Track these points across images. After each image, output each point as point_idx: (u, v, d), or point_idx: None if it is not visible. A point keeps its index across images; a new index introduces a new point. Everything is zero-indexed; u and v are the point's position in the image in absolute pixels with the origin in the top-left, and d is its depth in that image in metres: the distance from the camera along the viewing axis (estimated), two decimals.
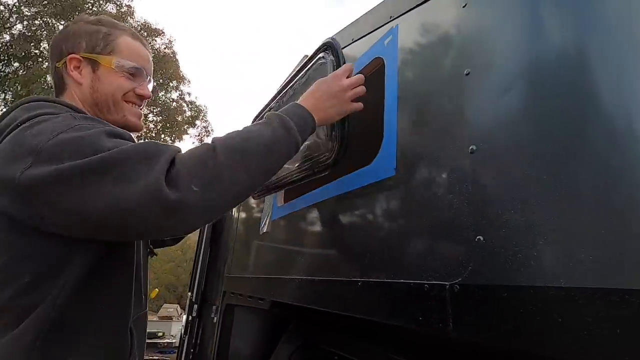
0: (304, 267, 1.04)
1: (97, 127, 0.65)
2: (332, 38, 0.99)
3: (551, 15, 0.54)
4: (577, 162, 0.44)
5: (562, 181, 0.44)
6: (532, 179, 0.48)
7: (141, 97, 0.85)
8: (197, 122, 13.72)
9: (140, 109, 0.87)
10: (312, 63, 1.07)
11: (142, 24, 12.37)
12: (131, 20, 12.08)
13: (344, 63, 0.91)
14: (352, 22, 1.15)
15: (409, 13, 0.84)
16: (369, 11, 1.04)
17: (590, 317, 0.38)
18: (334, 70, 0.91)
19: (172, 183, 0.56)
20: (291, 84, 1.19)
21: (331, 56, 0.95)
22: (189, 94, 13.50)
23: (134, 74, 0.82)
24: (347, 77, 0.83)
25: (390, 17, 0.91)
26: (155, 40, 12.52)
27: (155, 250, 1.09)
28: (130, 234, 0.65)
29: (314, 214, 1.08)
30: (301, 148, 0.76)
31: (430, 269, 0.60)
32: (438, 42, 0.74)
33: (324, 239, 1.00)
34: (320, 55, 1.02)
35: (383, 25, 0.94)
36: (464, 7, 0.67)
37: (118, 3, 12.02)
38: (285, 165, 0.78)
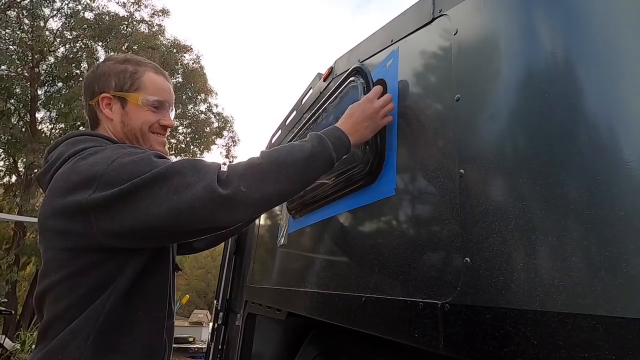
0: (313, 280, 1.08)
1: (145, 151, 0.77)
2: (361, 63, 1.03)
3: (539, 41, 0.56)
4: (562, 187, 0.46)
5: (543, 208, 0.47)
6: (514, 204, 0.50)
7: (165, 127, 0.94)
8: (224, 133, 14.14)
9: (165, 138, 0.97)
10: (343, 86, 1.11)
11: (172, 41, 12.97)
12: (162, 39, 12.71)
13: (373, 85, 0.94)
14: (360, 43, 1.19)
15: (407, 37, 0.88)
16: (373, 34, 1.08)
17: (561, 341, 0.40)
18: (363, 91, 0.96)
19: (224, 183, 0.67)
20: (325, 105, 1.23)
21: (361, 79, 0.99)
22: (216, 105, 13.94)
23: (158, 107, 0.91)
24: (378, 98, 0.87)
25: (392, 40, 0.95)
26: (184, 57, 13.08)
27: (187, 256, 1.18)
28: (190, 232, 0.76)
29: (322, 229, 1.12)
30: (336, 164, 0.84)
31: (425, 287, 0.63)
32: (432, 67, 0.77)
33: (331, 253, 1.04)
34: (351, 79, 1.06)
35: (385, 48, 0.98)
36: (454, 34, 0.70)
37: (150, 23, 12.69)
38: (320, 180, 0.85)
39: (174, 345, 0.98)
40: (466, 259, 0.55)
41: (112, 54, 1.01)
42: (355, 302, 0.81)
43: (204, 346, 7.50)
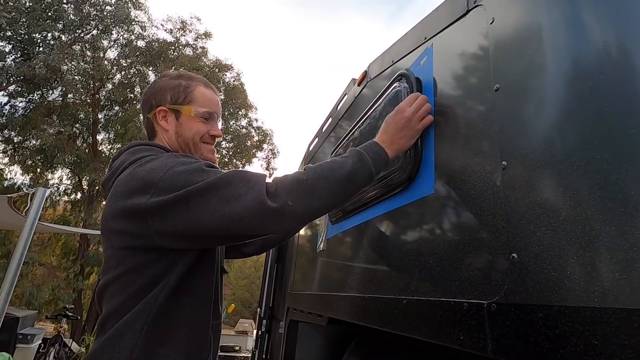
0: (353, 284, 1.07)
1: (197, 160, 0.83)
2: (406, 69, 0.99)
3: (580, 26, 0.53)
4: (614, 177, 0.42)
5: (598, 197, 0.43)
6: (565, 195, 0.47)
7: (214, 137, 1.01)
8: (264, 146, 14.58)
9: (214, 147, 1.04)
10: (388, 92, 1.08)
11: (214, 61, 13.73)
12: (205, 60, 13.48)
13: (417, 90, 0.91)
14: (392, 45, 1.19)
15: (441, 33, 0.86)
16: (406, 33, 1.08)
17: (627, 340, 0.36)
18: (405, 95, 0.93)
19: (272, 197, 0.72)
20: (369, 112, 1.20)
21: (405, 84, 0.96)
22: (256, 120, 14.44)
23: (208, 118, 0.98)
24: (411, 105, 0.85)
25: (425, 37, 0.93)
26: (226, 75, 13.75)
27: (232, 267, 1.23)
28: (239, 237, 0.83)
29: (360, 233, 1.11)
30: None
31: (469, 287, 0.60)
32: (468, 59, 0.74)
33: (370, 257, 1.03)
34: (395, 84, 1.03)
35: (419, 46, 0.97)
36: (491, 23, 0.67)
37: (194, 46, 13.54)
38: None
39: (221, 354, 1.00)
40: (513, 255, 0.52)
41: (167, 71, 1.11)
42: (396, 305, 0.79)
43: (249, 355, 7.63)
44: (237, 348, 7.74)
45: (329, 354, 1.62)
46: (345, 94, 1.66)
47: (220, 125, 1.06)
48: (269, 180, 0.77)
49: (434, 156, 0.79)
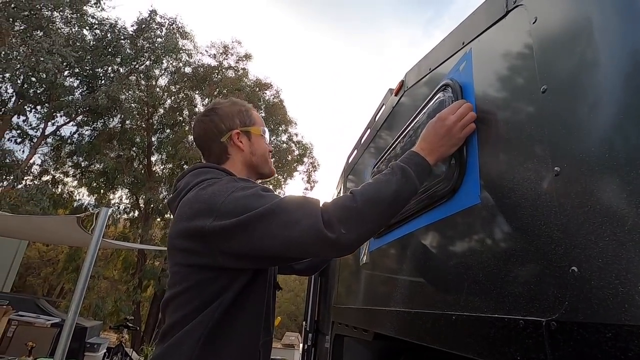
0: (399, 298, 1.04)
1: (254, 186, 0.89)
2: (450, 79, 0.95)
3: (635, 16, 0.49)
4: None
5: None
6: (630, 201, 0.43)
7: (270, 152, 1.14)
8: (305, 159, 14.83)
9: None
10: (431, 102, 1.04)
11: (254, 81, 14.33)
12: (246, 80, 14.13)
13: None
14: (429, 53, 1.17)
15: (480, 37, 0.83)
16: (442, 40, 1.05)
17: None
18: None
19: (328, 226, 0.75)
20: (412, 123, 1.16)
21: (449, 93, 0.93)
22: (296, 134, 14.77)
23: (265, 135, 1.11)
24: (454, 113, 0.83)
25: (463, 42, 0.91)
26: (266, 93, 14.29)
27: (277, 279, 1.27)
28: (295, 259, 0.91)
29: (404, 246, 1.08)
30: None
31: (524, 303, 0.56)
32: (511, 61, 0.71)
33: (414, 270, 0.99)
34: (439, 94, 0.99)
35: (457, 52, 0.94)
36: (533, 22, 0.64)
37: (235, 68, 14.27)
38: None
39: None
40: (572, 268, 0.48)
41: (218, 99, 1.20)
42: (445, 321, 0.75)
43: None
44: None
45: None
46: (383, 105, 1.65)
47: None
48: (321, 204, 0.80)
49: (478, 164, 0.76)
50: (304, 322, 2.88)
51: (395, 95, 1.43)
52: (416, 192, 0.83)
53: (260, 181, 1.13)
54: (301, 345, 2.96)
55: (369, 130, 1.83)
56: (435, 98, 1.00)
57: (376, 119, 1.72)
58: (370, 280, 1.40)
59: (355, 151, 2.07)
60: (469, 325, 0.68)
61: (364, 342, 1.50)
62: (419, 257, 0.97)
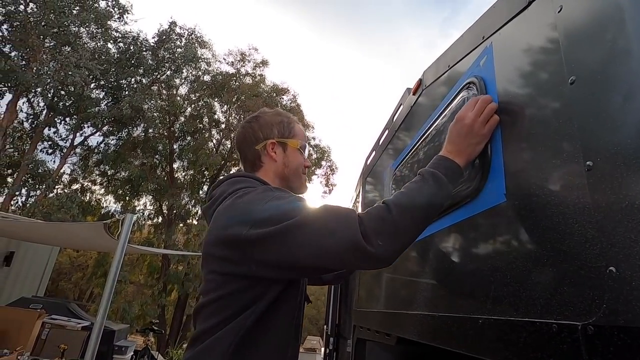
0: (422, 301, 1.01)
1: (289, 195, 0.88)
2: (475, 76, 0.91)
3: None
4: None
5: None
6: None
7: (307, 167, 1.12)
8: (323, 163, 14.85)
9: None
10: (455, 100, 1.01)
11: (271, 87, 14.51)
12: (263, 86, 14.32)
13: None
14: (447, 49, 1.14)
15: (501, 30, 0.81)
16: (461, 36, 1.03)
17: None
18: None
19: (366, 238, 0.72)
20: (434, 124, 1.13)
21: (474, 91, 0.89)
22: (314, 138, 14.81)
23: (304, 150, 1.10)
24: (472, 110, 0.81)
25: (483, 37, 0.88)
26: (283, 98, 14.43)
27: None
28: (329, 270, 0.89)
29: (426, 247, 1.05)
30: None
31: (557, 306, 0.53)
32: (535, 53, 0.68)
33: (438, 272, 0.96)
34: (463, 93, 0.96)
35: (477, 47, 0.92)
36: (559, 12, 0.61)
37: (253, 75, 14.49)
38: None
39: None
40: (610, 268, 0.45)
41: (264, 108, 1.21)
42: (471, 326, 0.73)
43: None
44: None
45: None
46: (401, 105, 1.63)
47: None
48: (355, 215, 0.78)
49: (502, 160, 0.73)
50: (325, 326, 2.87)
51: (414, 94, 1.40)
52: (450, 196, 0.80)
53: None
54: (323, 349, 2.94)
55: (387, 131, 1.81)
56: (459, 97, 0.96)
57: (394, 119, 1.69)
58: (392, 283, 1.37)
59: (374, 153, 2.04)
60: (497, 330, 0.65)
61: (386, 346, 1.47)
62: (443, 259, 0.95)
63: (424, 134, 1.19)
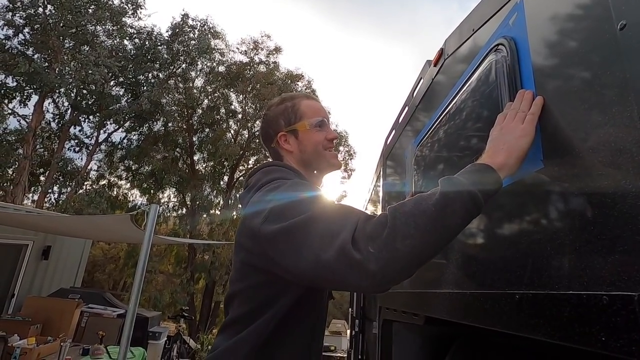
0: (451, 279, 0.97)
1: (312, 190, 0.82)
2: (504, 37, 0.81)
3: None
4: None
5: None
6: None
7: (331, 140, 1.03)
8: (340, 148, 14.75)
9: (334, 150, 1.07)
10: (482, 65, 0.91)
11: (286, 74, 14.41)
12: (277, 74, 14.24)
13: (518, 60, 0.76)
14: (470, 13, 1.07)
15: None
16: None
17: None
18: (506, 69, 0.79)
19: (355, 244, 0.62)
20: (460, 93, 1.03)
21: (503, 53, 0.80)
22: (331, 123, 14.70)
23: (321, 125, 1.03)
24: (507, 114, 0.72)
25: None
26: (297, 84, 14.32)
27: None
28: (322, 283, 0.79)
29: None
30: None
31: (607, 277, 0.48)
32: (575, 1, 0.61)
33: (469, 247, 0.92)
34: (491, 56, 0.86)
35: (504, 5, 0.84)
36: None
37: (266, 62, 14.41)
38: None
39: None
40: None
41: (271, 101, 1.13)
42: (507, 302, 0.68)
43: (344, 355, 7.70)
44: (332, 348, 7.89)
45: (430, 355, 1.51)
46: (421, 78, 1.56)
47: (333, 126, 1.08)
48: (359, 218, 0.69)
49: (538, 125, 0.67)
50: (349, 309, 2.88)
51: (435, 65, 1.33)
52: (476, 201, 0.63)
53: (327, 175, 1.08)
54: (348, 331, 2.96)
55: (407, 108, 1.74)
56: (487, 60, 0.88)
57: (414, 94, 1.62)
58: None
59: (394, 132, 1.98)
60: (537, 305, 0.61)
61: (414, 327, 1.45)
62: (474, 232, 0.90)
63: (447, 106, 1.13)
